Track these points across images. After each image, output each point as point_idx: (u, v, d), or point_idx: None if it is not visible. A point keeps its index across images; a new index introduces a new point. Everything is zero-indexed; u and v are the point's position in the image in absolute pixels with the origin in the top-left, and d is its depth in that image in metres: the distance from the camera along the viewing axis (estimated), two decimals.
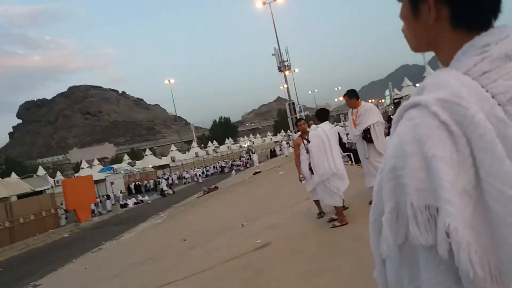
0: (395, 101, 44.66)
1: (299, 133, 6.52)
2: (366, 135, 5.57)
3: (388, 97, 54.72)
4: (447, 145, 0.57)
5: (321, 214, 6.12)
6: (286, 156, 29.67)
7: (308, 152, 6.04)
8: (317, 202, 6.18)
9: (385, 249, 0.63)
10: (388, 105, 47.69)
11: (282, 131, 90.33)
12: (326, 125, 5.55)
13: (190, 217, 14.57)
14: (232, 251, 6.29)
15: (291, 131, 50.79)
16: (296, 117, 34.68)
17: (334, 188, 5.16)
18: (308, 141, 6.14)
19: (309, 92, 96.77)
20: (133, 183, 42.46)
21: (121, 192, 33.82)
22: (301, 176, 6.10)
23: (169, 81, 68.96)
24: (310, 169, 5.50)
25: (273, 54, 35.96)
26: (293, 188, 11.44)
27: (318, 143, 5.27)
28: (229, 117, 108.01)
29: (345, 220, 5.10)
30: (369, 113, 5.60)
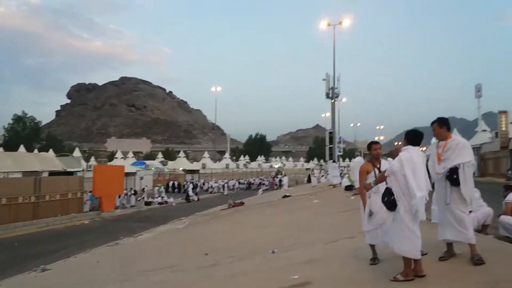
0: None
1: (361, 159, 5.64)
2: (453, 176, 4.59)
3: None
4: None
5: (375, 260, 5.19)
6: (313, 186, 28.24)
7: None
8: (372, 246, 5.27)
9: None
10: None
11: (316, 159, 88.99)
12: (417, 152, 4.43)
13: (214, 229, 13.84)
14: (262, 281, 5.48)
15: (325, 161, 49.65)
16: (332, 146, 33.47)
17: (416, 230, 4.18)
18: (379, 170, 5.27)
19: (351, 125, 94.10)
20: (172, 182, 43.10)
21: (143, 190, 33.58)
22: (370, 210, 5.12)
23: (216, 89, 69.60)
24: (388, 202, 4.32)
25: (323, 79, 35.22)
26: (331, 221, 10.50)
27: (417, 163, 4.30)
28: (265, 135, 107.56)
29: (411, 275, 4.17)
30: (461, 149, 4.60)
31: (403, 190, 4.19)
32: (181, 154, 60.34)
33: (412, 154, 4.29)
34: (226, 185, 42.25)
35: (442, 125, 4.80)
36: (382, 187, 5.07)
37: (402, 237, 4.16)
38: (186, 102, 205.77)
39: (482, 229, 6.44)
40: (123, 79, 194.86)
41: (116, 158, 47.25)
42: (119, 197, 25.32)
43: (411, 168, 4.18)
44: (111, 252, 11.44)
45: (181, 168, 51.49)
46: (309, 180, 39.61)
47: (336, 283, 4.70)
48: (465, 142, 4.76)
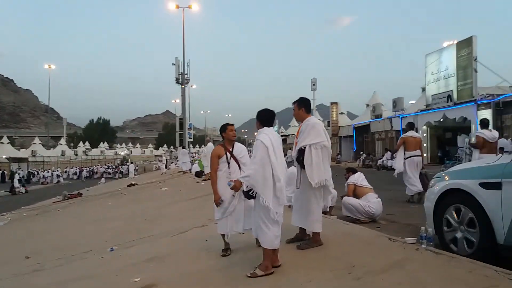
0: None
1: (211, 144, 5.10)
2: (299, 157, 4.41)
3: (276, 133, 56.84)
4: None
5: (227, 251, 4.75)
6: (163, 173, 27.47)
7: (229, 167, 4.69)
8: (223, 236, 4.82)
9: None
10: None
11: (165, 145, 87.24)
12: (274, 133, 4.06)
13: (41, 225, 11.83)
14: None
15: (175, 147, 48.79)
16: (182, 132, 32.87)
17: (279, 217, 3.80)
18: (231, 154, 4.81)
19: (201, 112, 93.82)
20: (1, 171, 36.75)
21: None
22: (219, 199, 4.63)
23: (49, 67, 61.24)
24: (248, 191, 3.82)
25: (173, 64, 34.21)
26: (181, 210, 9.87)
27: (276, 145, 3.90)
28: (108, 120, 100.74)
29: (271, 268, 3.79)
30: (310, 130, 4.38)
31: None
32: (4, 139, 51.57)
33: (270, 137, 3.90)
34: (59, 174, 37.89)
35: (301, 106, 4.58)
36: (234, 174, 4.65)
37: (262, 226, 3.75)
38: (12, 80, 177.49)
39: (328, 210, 6.63)
40: None
41: None
42: None
43: (272, 151, 3.79)
44: None
45: (4, 156, 44.14)
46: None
47: (184, 283, 4.08)
48: (315, 123, 4.50)
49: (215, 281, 3.95)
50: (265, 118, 4.11)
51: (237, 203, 4.60)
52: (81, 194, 19.53)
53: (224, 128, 4.90)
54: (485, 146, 7.91)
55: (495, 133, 8.11)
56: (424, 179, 8.52)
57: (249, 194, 3.82)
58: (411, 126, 9.17)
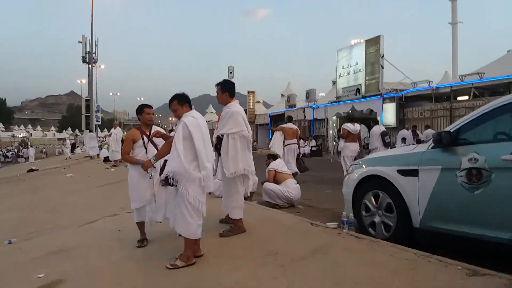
0: None
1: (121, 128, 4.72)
2: (217, 146, 4.34)
3: None
4: None
5: (144, 241, 4.43)
6: (67, 158, 25.52)
7: (147, 152, 4.37)
8: (141, 224, 4.49)
9: None
10: None
11: (70, 128, 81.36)
12: (201, 117, 3.79)
13: None
14: None
15: (80, 131, 45.52)
16: (89, 115, 30.55)
17: (202, 206, 3.53)
18: (149, 138, 4.46)
19: (111, 94, 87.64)
20: None
21: None
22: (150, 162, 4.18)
23: None
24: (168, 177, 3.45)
25: (80, 42, 31.72)
26: (88, 198, 9.15)
27: (204, 130, 3.64)
28: (4, 99, 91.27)
29: (192, 258, 3.58)
30: (228, 118, 4.28)
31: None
32: None
33: (198, 121, 3.65)
34: None
35: (225, 90, 4.43)
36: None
37: (185, 215, 3.50)
38: None
39: (249, 196, 6.58)
40: None
41: None
42: None
43: (200, 135, 3.54)
44: None
45: None
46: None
47: (96, 278, 3.71)
48: (234, 111, 4.36)
49: (131, 274, 3.64)
50: (188, 100, 3.84)
51: (157, 189, 4.30)
52: None
53: (140, 109, 4.53)
54: (349, 136, 9.69)
55: (357, 126, 9.85)
56: (300, 162, 9.86)
57: (168, 182, 3.53)
58: (290, 119, 10.65)
